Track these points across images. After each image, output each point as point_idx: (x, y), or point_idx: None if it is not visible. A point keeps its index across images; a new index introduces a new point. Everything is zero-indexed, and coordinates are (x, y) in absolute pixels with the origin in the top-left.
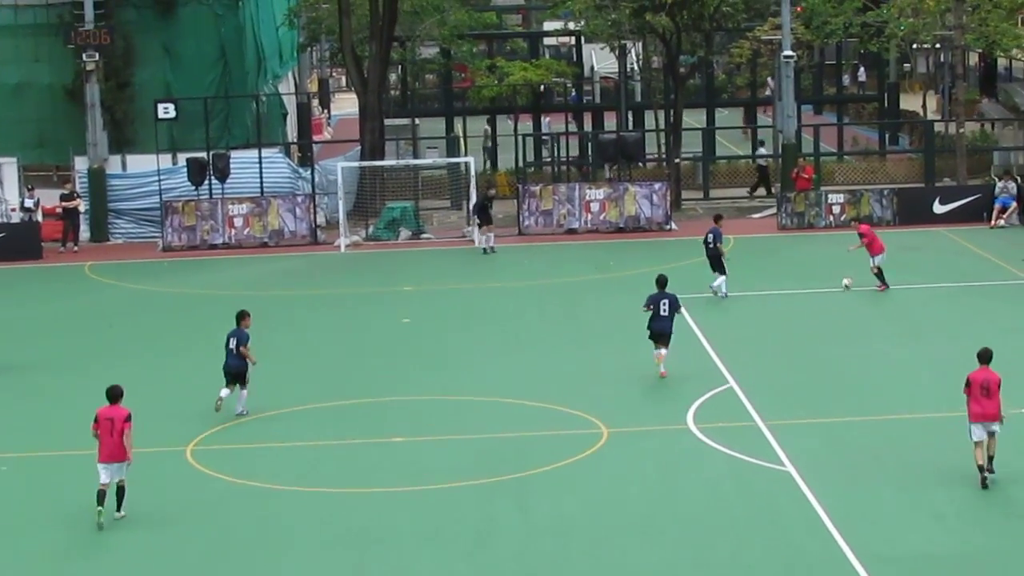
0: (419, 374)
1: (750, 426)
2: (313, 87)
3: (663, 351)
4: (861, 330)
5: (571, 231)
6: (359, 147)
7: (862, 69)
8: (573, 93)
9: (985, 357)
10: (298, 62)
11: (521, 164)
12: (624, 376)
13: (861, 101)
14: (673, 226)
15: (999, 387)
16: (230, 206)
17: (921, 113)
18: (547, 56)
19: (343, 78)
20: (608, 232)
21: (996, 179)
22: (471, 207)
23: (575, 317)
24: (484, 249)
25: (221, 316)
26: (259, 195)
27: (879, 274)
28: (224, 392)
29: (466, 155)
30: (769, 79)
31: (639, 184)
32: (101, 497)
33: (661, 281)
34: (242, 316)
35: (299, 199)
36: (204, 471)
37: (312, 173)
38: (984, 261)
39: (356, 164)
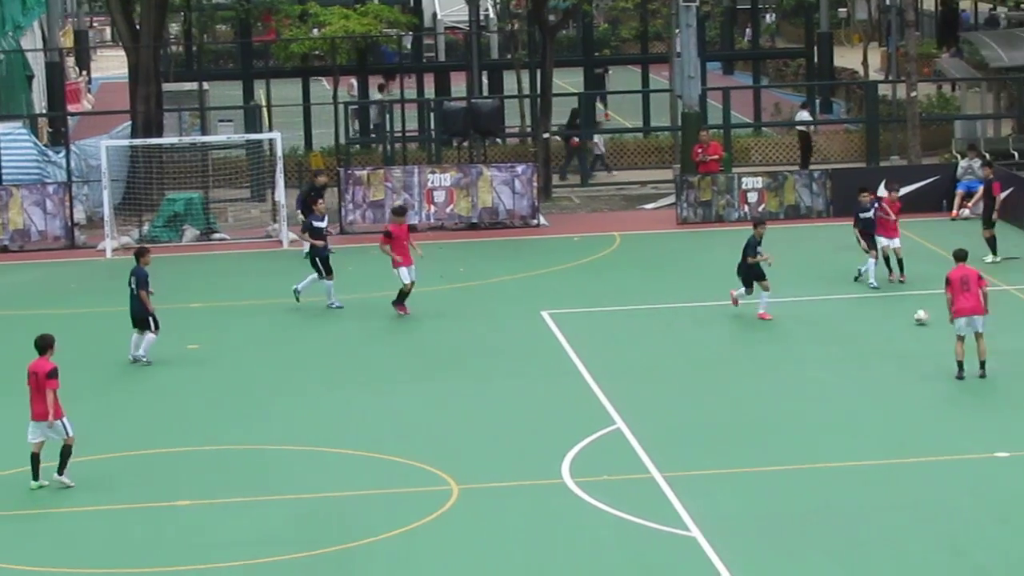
0: (211, 417)
1: (644, 479)
2: (67, 41)
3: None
4: (783, 353)
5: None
6: (129, 121)
7: (771, 17)
8: (410, 48)
9: (961, 256)
10: (47, 8)
11: (342, 141)
12: (479, 417)
13: (783, 57)
14: (542, 221)
15: (979, 281)
16: None
17: (861, 72)
18: (376, 0)
19: (107, 29)
20: (457, 229)
21: (958, 157)
22: (296, 200)
23: (415, 341)
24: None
25: None
26: None
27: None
28: (134, 338)
29: (271, 130)
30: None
31: (497, 167)
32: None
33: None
34: (141, 253)
35: (50, 189)
36: None
37: (67, 155)
38: (944, 263)
39: (126, 143)
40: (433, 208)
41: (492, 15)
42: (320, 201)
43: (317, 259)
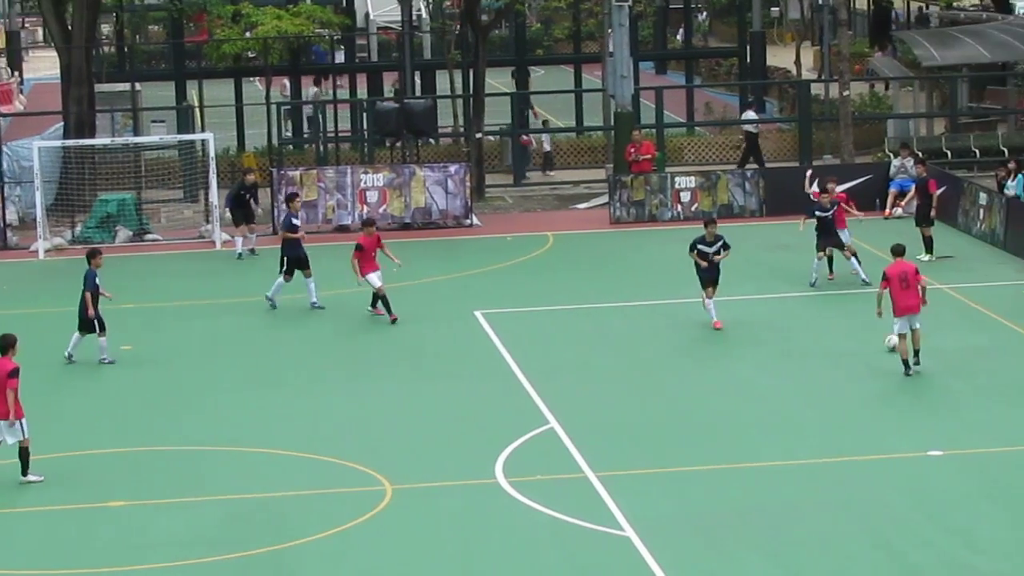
0: (144, 418)
1: (577, 479)
2: None
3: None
4: (717, 352)
5: (342, 228)
6: (62, 122)
7: (703, 17)
8: (342, 49)
9: (900, 251)
10: None
11: (275, 142)
12: (413, 418)
13: (716, 56)
14: (475, 221)
15: (916, 275)
16: None
17: (794, 71)
18: (308, 1)
19: (39, 30)
20: (391, 229)
21: (891, 155)
22: (225, 199)
23: (348, 342)
24: (240, 253)
25: None
26: None
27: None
28: (75, 337)
29: (203, 130)
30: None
31: (430, 167)
32: None
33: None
34: (92, 255)
35: None
36: None
37: None
38: (879, 262)
39: (58, 144)
40: (366, 208)
41: (424, 15)
42: (296, 198)
43: (285, 258)
